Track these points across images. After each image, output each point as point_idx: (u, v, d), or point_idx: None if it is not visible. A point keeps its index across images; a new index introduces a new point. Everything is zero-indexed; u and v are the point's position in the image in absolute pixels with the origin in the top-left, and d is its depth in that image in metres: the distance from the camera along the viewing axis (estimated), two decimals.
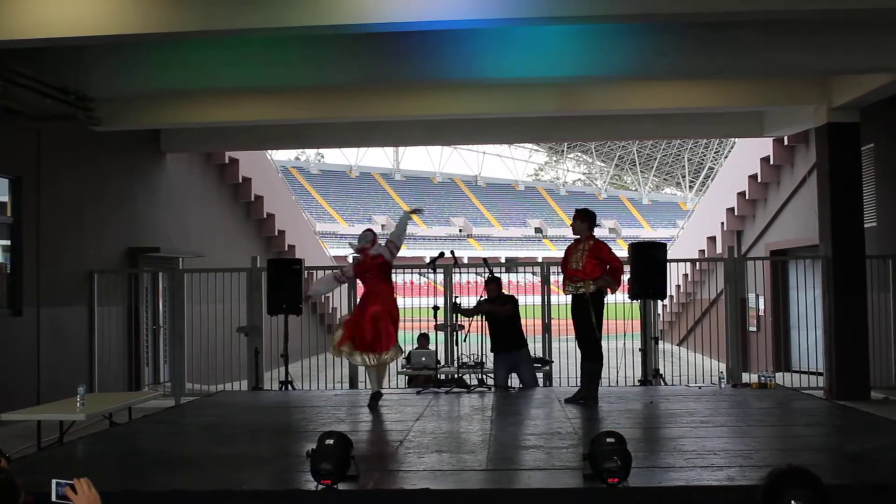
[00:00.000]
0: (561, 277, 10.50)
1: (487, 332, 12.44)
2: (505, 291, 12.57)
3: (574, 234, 10.26)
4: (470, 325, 12.80)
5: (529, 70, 12.17)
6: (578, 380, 10.74)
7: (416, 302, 14.18)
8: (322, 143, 27.86)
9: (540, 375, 13.85)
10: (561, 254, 10.46)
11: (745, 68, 12.40)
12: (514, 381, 12.46)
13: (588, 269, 9.89)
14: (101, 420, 10.28)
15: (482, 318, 12.51)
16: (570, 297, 10.12)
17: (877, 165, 15.03)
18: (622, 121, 17.07)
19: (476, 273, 15.27)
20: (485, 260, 13.06)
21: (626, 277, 13.29)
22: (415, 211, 11.53)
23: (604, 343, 10.27)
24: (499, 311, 12.09)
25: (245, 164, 21.91)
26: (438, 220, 75.90)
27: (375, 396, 10.21)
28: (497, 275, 12.70)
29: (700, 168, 78.99)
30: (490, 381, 12.23)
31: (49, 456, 8.15)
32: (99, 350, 15.15)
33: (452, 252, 12.68)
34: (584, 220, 10.14)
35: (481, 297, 12.48)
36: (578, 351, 10.33)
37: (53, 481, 3.68)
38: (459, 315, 12.61)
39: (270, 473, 7.00)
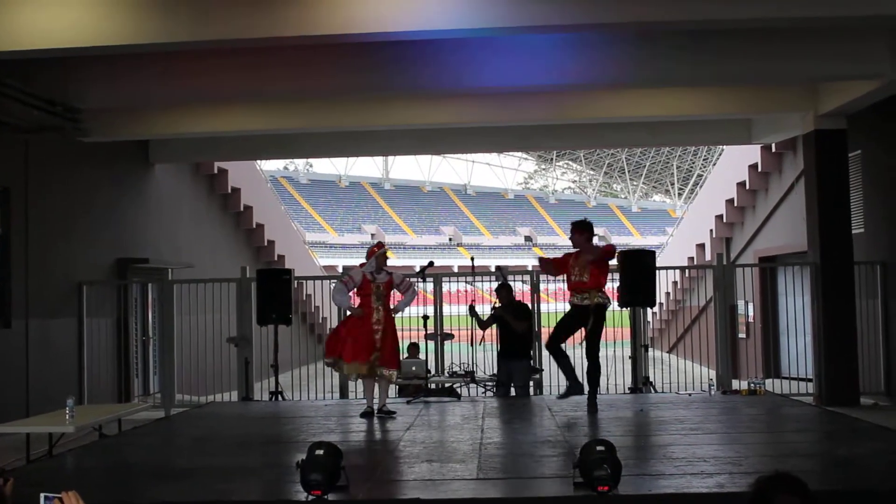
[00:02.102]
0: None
1: (498, 338, 12.54)
2: (493, 303, 12.63)
3: (574, 247, 10.22)
4: (485, 333, 12.79)
5: (518, 79, 12.20)
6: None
7: (406, 311, 14.15)
8: (311, 153, 27.89)
9: (531, 383, 13.88)
10: None
11: (732, 76, 12.48)
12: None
13: (592, 280, 9.91)
14: (91, 432, 10.25)
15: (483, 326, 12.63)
16: (563, 307, 10.17)
17: (864, 172, 15.09)
18: (611, 129, 17.11)
19: (465, 282, 15.28)
20: (498, 267, 13.06)
21: (615, 285, 13.39)
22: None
23: None
24: (515, 324, 12.18)
25: (234, 174, 21.88)
26: (428, 229, 75.92)
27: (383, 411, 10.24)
28: (508, 282, 12.80)
29: (689, 175, 79.19)
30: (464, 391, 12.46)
31: (38, 468, 8.12)
32: (88, 362, 15.09)
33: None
34: (583, 232, 10.11)
35: (494, 304, 12.55)
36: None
37: (42, 495, 3.66)
38: (475, 322, 12.62)
39: (260, 484, 6.99)
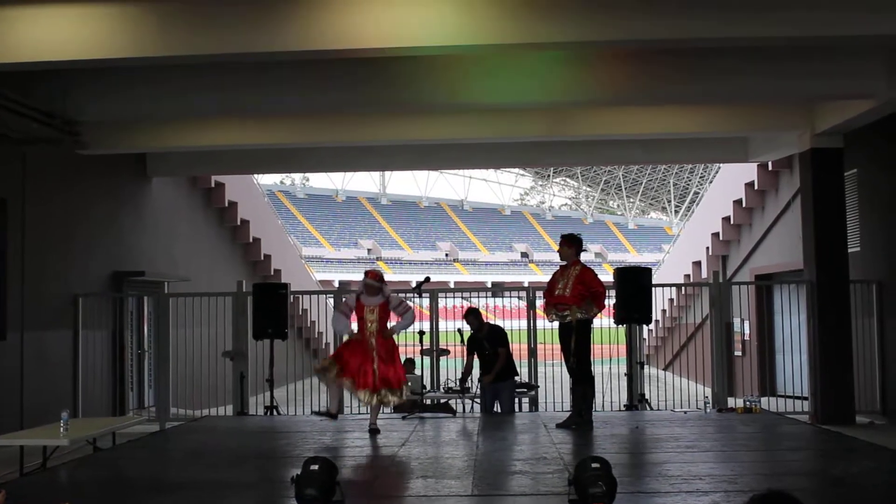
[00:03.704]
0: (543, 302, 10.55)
1: (479, 362, 12.50)
2: (489, 320, 12.58)
3: (561, 259, 10.30)
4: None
5: (516, 95, 12.23)
6: (567, 405, 10.76)
7: None
8: (308, 168, 27.97)
9: (525, 400, 13.87)
10: (545, 277, 10.51)
11: (729, 94, 12.51)
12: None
13: (575, 294, 9.92)
14: (85, 445, 10.23)
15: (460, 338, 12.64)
16: (556, 324, 10.15)
17: (860, 190, 15.12)
18: (608, 146, 17.13)
19: (462, 297, 15.28)
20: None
21: (611, 302, 13.38)
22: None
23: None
24: (496, 371, 12.14)
25: (231, 188, 21.89)
26: (424, 244, 75.98)
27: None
28: (474, 305, 12.73)
29: (685, 193, 79.36)
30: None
31: (32, 481, 8.10)
32: (83, 374, 15.04)
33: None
34: (571, 245, 10.19)
35: (469, 333, 12.50)
36: (566, 376, 10.37)
37: None
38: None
39: (255, 499, 6.97)
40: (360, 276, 10.61)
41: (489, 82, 12.00)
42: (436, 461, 8.39)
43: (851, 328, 14.21)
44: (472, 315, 12.43)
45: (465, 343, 12.53)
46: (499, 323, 13.03)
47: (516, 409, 12.92)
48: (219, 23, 9.49)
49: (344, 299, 10.65)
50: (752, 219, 20.93)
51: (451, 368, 14.19)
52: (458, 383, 12.79)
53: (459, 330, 12.75)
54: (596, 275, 10.12)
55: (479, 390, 12.55)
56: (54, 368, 14.37)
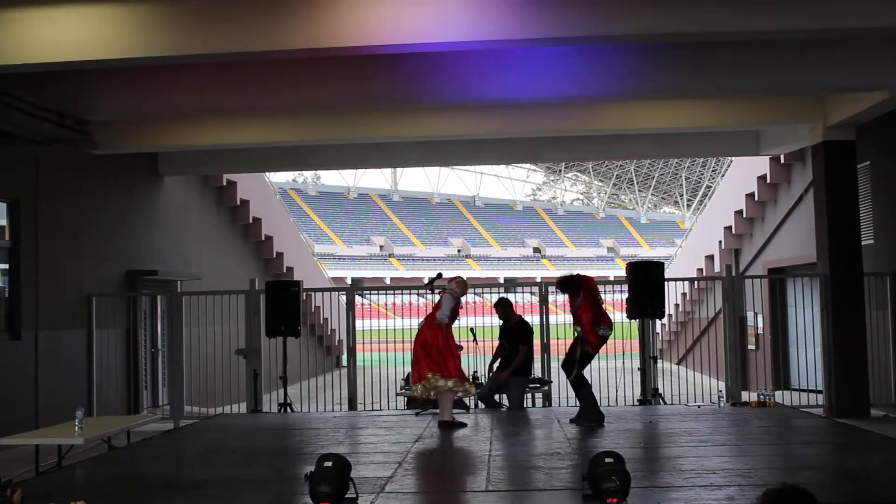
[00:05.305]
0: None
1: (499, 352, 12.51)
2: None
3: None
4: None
5: (527, 90, 12.21)
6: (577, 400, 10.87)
7: (415, 323, 14.16)
8: (320, 165, 27.93)
9: (539, 395, 13.85)
10: (558, 273, 10.73)
11: (741, 87, 12.48)
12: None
13: (577, 316, 10.48)
14: (100, 444, 10.27)
15: (472, 337, 12.65)
16: (569, 318, 10.43)
17: (873, 183, 15.06)
18: (620, 140, 17.10)
19: (475, 293, 15.27)
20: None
21: (624, 297, 13.40)
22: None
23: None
24: (513, 367, 12.14)
25: (243, 186, 21.93)
26: (436, 240, 76.00)
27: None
28: (505, 296, 12.73)
29: (698, 187, 79.18)
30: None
31: (47, 480, 8.14)
32: (97, 373, 15.10)
33: None
34: (564, 290, 10.63)
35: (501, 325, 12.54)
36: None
37: None
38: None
39: (269, 496, 6.99)
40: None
41: (500, 78, 11.98)
42: (450, 457, 8.40)
43: (865, 321, 14.16)
44: (499, 306, 12.47)
45: (499, 331, 12.57)
46: None
47: (525, 404, 12.91)
48: (230, 21, 9.50)
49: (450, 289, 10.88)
50: (765, 212, 20.87)
51: (464, 364, 14.15)
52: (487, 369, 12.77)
53: (472, 329, 12.74)
54: (582, 308, 10.41)
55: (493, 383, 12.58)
56: (68, 368, 14.42)
